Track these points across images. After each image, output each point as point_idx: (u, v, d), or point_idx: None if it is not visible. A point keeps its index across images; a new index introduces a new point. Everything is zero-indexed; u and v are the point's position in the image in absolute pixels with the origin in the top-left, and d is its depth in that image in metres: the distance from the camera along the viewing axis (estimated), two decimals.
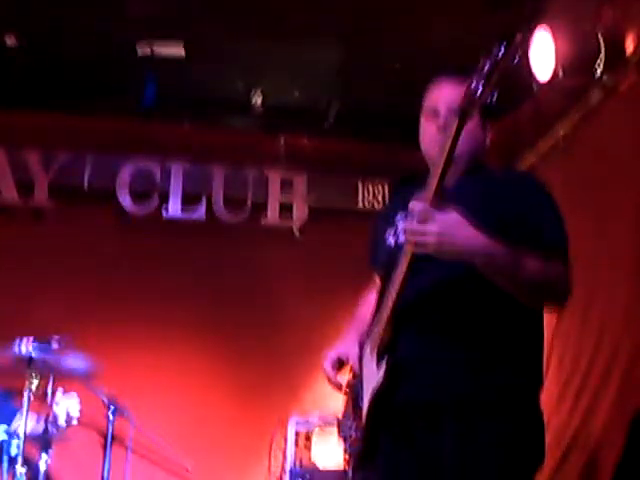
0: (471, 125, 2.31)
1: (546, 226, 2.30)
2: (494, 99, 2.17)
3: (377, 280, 2.64)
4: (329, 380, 2.52)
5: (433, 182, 2.16)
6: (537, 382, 2.39)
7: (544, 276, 2.21)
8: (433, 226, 2.12)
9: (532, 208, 2.32)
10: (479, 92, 2.08)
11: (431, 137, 2.44)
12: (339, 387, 2.54)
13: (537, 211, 2.32)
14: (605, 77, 4.26)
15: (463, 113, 2.12)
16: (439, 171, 2.16)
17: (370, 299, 2.66)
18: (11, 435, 4.16)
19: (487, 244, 2.16)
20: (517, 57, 2.11)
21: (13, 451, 4.11)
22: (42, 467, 4.16)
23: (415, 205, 2.16)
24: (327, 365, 2.52)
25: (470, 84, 2.08)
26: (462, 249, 2.15)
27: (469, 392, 2.27)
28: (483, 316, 2.30)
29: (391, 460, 2.37)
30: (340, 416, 2.60)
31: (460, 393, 2.27)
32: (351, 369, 2.51)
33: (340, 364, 2.52)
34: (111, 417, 4.48)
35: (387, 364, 2.31)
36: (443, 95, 2.46)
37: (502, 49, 2.06)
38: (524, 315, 2.35)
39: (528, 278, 2.20)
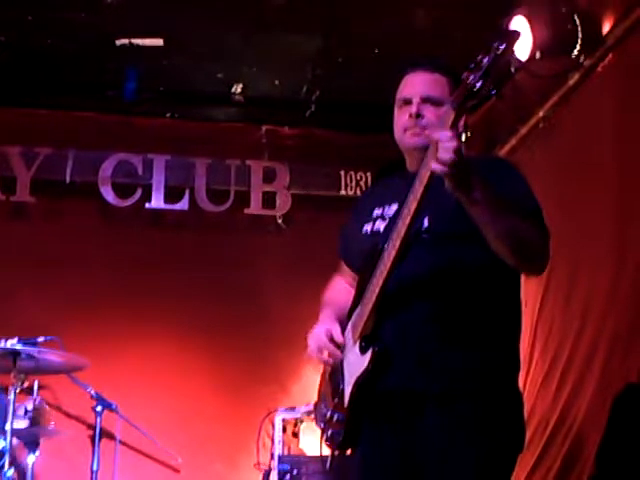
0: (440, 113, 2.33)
1: (522, 198, 2.33)
2: (493, 93, 2.22)
3: (345, 268, 2.67)
4: (316, 354, 2.51)
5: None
6: (516, 366, 2.41)
7: (525, 232, 2.24)
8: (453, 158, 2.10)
9: (507, 184, 2.33)
10: (478, 86, 2.08)
11: (404, 124, 2.46)
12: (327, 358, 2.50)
13: (512, 186, 2.34)
14: (583, 58, 4.28)
15: (460, 107, 2.12)
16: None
17: (339, 286, 2.69)
18: None
19: (487, 182, 2.20)
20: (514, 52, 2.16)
21: None
22: (29, 465, 4.17)
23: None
24: (311, 341, 2.51)
25: (467, 78, 2.09)
26: (470, 175, 2.15)
27: (452, 379, 2.29)
28: (465, 305, 2.32)
29: (375, 446, 2.38)
30: (316, 399, 2.64)
31: (443, 381, 2.29)
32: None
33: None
34: (99, 411, 4.48)
35: (373, 352, 2.32)
36: (416, 84, 2.48)
37: (504, 45, 2.07)
38: (504, 302, 2.38)
39: (511, 228, 2.22)
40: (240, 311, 5.52)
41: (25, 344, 4.09)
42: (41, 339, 4.15)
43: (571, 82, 4.47)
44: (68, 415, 4.58)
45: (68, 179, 5.63)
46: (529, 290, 4.21)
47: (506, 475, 2.32)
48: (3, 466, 3.98)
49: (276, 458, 4.74)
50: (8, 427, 3.97)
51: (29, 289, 5.27)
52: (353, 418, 2.40)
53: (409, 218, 2.22)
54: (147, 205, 5.68)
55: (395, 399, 2.33)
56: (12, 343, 4.08)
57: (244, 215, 5.78)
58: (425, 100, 2.43)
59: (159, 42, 5.02)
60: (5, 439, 3.96)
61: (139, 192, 5.70)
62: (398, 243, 2.25)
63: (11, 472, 3.99)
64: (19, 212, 5.61)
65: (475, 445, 2.27)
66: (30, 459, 4.20)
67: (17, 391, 4.08)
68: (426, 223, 2.35)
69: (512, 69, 4.59)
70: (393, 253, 2.27)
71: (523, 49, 4.33)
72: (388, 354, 2.32)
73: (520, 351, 2.45)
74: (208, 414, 5.40)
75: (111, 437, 4.65)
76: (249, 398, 5.36)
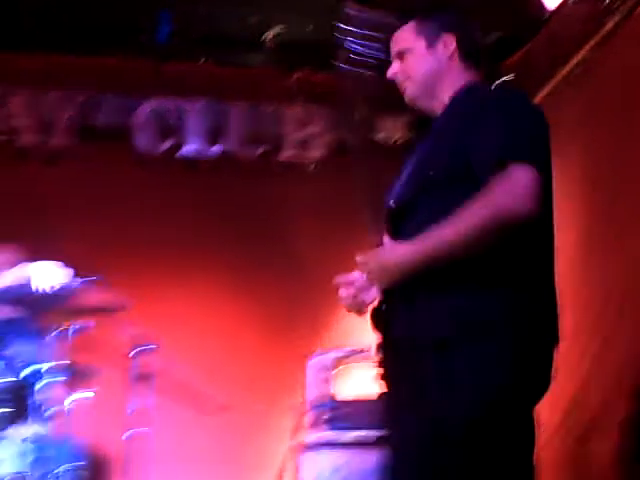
0: (410, 62, 2.46)
1: (482, 144, 2.22)
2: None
3: None
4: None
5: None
6: (509, 313, 2.22)
7: (477, 219, 2.12)
8: (369, 270, 2.30)
9: (472, 130, 2.26)
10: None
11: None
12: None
13: (475, 130, 2.26)
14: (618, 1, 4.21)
15: None
16: None
17: None
18: (36, 374, 4.24)
19: (408, 255, 2.21)
20: None
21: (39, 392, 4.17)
22: (68, 406, 4.23)
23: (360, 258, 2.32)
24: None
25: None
26: (393, 276, 2.24)
27: (423, 328, 2.26)
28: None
29: (390, 390, 2.39)
30: None
31: (423, 330, 2.26)
32: None
33: None
34: (139, 352, 4.54)
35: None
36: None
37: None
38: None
39: (459, 242, 2.14)
40: (275, 256, 5.58)
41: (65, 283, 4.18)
42: (82, 279, 4.22)
43: (608, 26, 4.41)
44: (108, 356, 4.65)
45: (103, 124, 5.69)
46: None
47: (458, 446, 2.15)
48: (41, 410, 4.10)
49: (311, 403, 4.81)
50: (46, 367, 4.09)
51: (69, 231, 5.34)
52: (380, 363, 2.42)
53: None
54: (181, 151, 5.74)
55: (395, 346, 2.33)
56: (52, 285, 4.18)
57: (278, 161, 5.80)
58: (395, 56, 2.52)
59: None
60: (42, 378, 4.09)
61: (173, 138, 5.74)
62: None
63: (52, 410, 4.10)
64: (55, 156, 5.67)
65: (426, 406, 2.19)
66: (69, 399, 4.29)
67: (58, 330, 4.18)
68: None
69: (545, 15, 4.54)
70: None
71: None
72: (391, 309, 2.34)
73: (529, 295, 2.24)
74: (247, 356, 5.50)
75: (151, 378, 4.71)
76: (288, 340, 5.45)
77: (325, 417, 4.54)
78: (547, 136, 2.31)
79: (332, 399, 4.81)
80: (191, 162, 5.78)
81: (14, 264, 4.64)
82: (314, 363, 5.01)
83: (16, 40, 5.34)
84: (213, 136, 5.78)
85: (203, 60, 5.77)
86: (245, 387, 5.43)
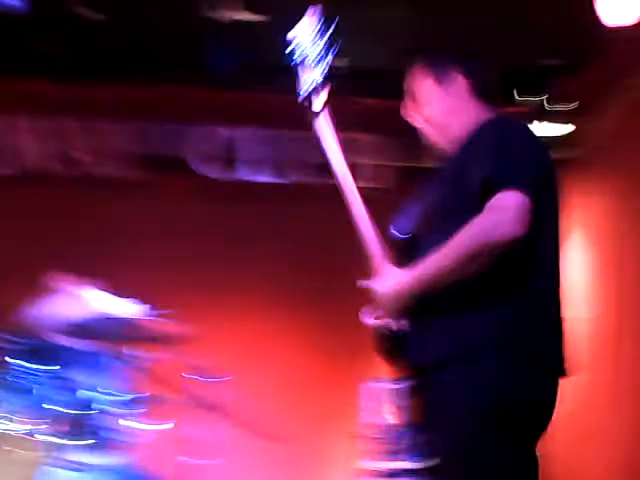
0: (427, 105, 2.54)
1: (474, 174, 2.31)
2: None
3: None
4: None
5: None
6: (507, 333, 2.30)
7: (465, 247, 2.24)
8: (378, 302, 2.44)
9: (471, 161, 2.35)
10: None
11: None
12: None
13: (471, 162, 2.35)
14: None
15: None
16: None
17: None
18: (105, 405, 4.24)
19: (408, 280, 2.34)
20: None
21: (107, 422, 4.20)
22: (137, 436, 4.23)
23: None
24: None
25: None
26: (401, 302, 2.37)
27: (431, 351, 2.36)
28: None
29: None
30: None
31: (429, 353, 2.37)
32: None
33: None
34: (205, 383, 4.57)
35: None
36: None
37: None
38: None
39: (458, 264, 2.25)
40: (336, 282, 5.57)
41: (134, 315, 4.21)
42: (150, 310, 4.26)
43: None
44: (174, 386, 4.67)
45: (162, 152, 5.76)
46: None
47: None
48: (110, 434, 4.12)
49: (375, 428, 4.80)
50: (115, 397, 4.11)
51: (134, 261, 5.44)
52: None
53: None
54: (238, 178, 5.78)
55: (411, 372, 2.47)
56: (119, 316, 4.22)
57: (328, 185, 5.79)
58: (409, 95, 2.60)
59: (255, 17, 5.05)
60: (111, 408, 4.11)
61: (229, 163, 5.79)
62: None
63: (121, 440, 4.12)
64: (115, 185, 5.73)
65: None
66: (138, 429, 4.31)
67: (125, 361, 4.21)
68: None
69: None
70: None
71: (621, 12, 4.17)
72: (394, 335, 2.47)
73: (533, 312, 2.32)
74: (310, 384, 5.51)
75: (217, 408, 4.72)
76: (348, 367, 5.44)
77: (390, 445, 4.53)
78: (543, 163, 2.40)
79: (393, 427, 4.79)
80: (248, 188, 5.81)
81: (79, 294, 4.70)
82: (375, 390, 5.00)
83: (79, 71, 5.43)
84: (273, 164, 5.80)
85: (260, 87, 5.81)
86: (309, 416, 5.44)
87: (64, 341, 4.70)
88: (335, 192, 5.63)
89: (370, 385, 5.08)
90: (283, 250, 5.64)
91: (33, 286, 4.69)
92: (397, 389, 4.78)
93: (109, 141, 5.75)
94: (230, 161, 5.82)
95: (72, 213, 5.59)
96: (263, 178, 5.80)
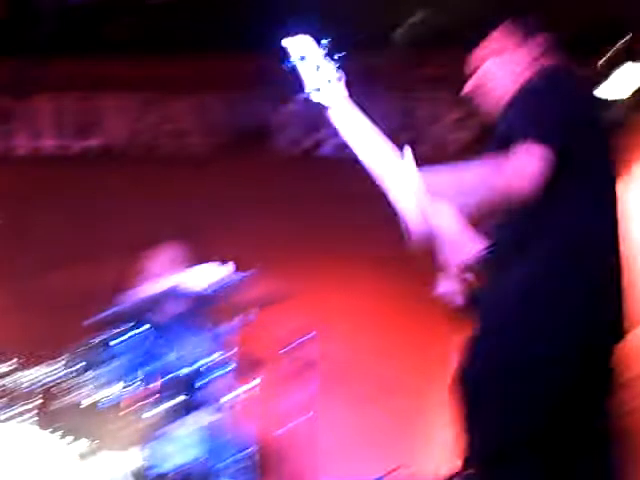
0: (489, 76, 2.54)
1: (514, 126, 2.34)
2: None
3: None
4: None
5: None
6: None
7: (485, 184, 2.32)
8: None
9: (512, 115, 2.40)
10: None
11: None
12: None
13: (513, 116, 2.39)
14: None
15: None
16: None
17: None
18: (204, 367, 4.36)
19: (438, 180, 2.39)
20: None
21: (207, 384, 4.31)
22: (236, 397, 4.32)
23: None
24: None
25: None
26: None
27: None
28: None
29: None
30: None
31: None
32: None
33: None
34: (300, 343, 4.64)
35: None
36: None
37: None
38: None
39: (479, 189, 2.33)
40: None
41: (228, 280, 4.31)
42: (243, 274, 4.34)
43: None
44: (271, 347, 4.76)
45: (242, 125, 5.83)
46: None
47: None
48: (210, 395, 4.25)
49: None
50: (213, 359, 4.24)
51: (228, 229, 5.53)
52: None
53: None
54: (321, 152, 5.83)
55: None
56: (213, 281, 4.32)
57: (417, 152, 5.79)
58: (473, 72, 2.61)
59: None
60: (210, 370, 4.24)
61: (312, 137, 5.86)
62: None
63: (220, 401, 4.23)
64: (207, 157, 5.86)
65: None
66: (236, 390, 4.40)
67: (223, 324, 4.32)
68: None
69: None
70: None
71: None
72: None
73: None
74: (405, 341, 5.54)
75: (313, 367, 4.79)
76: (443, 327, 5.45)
77: None
78: (582, 115, 2.40)
79: None
80: (330, 162, 5.84)
81: (177, 263, 4.85)
82: None
83: (170, 46, 5.52)
84: None
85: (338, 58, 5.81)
86: (405, 372, 5.46)
87: (162, 308, 4.87)
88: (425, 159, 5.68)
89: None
90: (372, 213, 5.67)
91: (131, 260, 4.87)
92: None
93: (193, 115, 5.87)
94: (313, 133, 5.88)
95: (160, 188, 5.69)
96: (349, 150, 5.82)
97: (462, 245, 2.48)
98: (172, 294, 4.57)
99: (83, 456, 3.80)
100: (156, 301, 4.86)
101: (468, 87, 2.61)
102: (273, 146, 5.90)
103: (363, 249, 5.59)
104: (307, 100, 2.53)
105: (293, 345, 4.66)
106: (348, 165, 5.58)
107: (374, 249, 5.60)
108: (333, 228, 5.65)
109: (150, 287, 4.85)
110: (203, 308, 4.50)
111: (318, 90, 2.48)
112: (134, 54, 5.57)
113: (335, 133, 5.78)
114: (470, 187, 2.34)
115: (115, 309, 4.45)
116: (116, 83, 5.78)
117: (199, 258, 5.05)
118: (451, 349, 5.01)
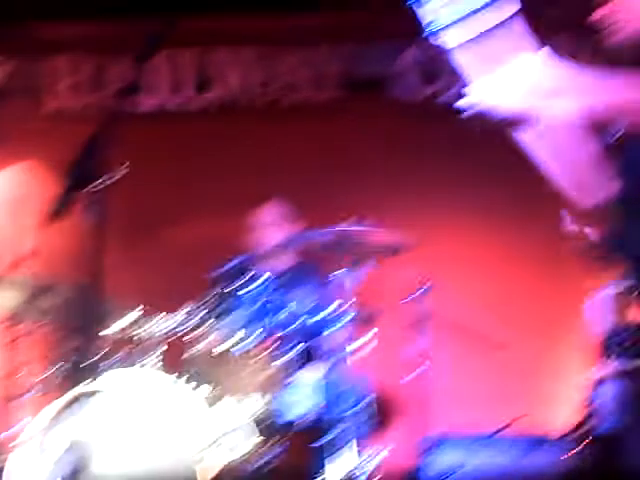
0: None
1: None
2: None
3: None
4: None
5: None
6: None
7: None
8: None
9: None
10: None
11: None
12: None
13: None
14: None
15: None
16: None
17: None
18: (322, 318, 4.37)
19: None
20: None
21: (326, 335, 4.31)
22: (353, 348, 4.30)
23: None
24: None
25: None
26: None
27: None
28: None
29: None
30: None
31: None
32: None
33: None
34: (418, 294, 4.62)
35: None
36: None
37: None
38: None
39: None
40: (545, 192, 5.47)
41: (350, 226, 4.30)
42: (360, 224, 4.31)
43: None
44: (388, 297, 4.76)
45: (368, 73, 5.84)
46: None
47: None
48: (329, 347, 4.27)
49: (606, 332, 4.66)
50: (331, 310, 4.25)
51: (346, 181, 5.59)
52: None
53: None
54: (444, 96, 5.73)
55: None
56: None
57: None
58: None
59: None
60: (328, 322, 4.26)
61: (440, 82, 5.79)
62: None
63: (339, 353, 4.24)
64: (325, 110, 5.89)
65: None
66: (354, 341, 4.39)
67: (340, 275, 4.31)
68: None
69: None
70: None
71: None
72: None
73: None
74: (521, 293, 5.48)
75: (429, 318, 4.77)
76: (560, 275, 5.36)
77: (621, 346, 4.40)
78: None
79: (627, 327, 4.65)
80: (453, 107, 5.74)
81: (289, 217, 4.88)
82: (600, 296, 4.87)
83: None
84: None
85: None
86: (521, 325, 5.40)
87: (281, 260, 4.92)
88: None
89: (592, 293, 4.96)
90: (489, 162, 5.58)
91: (250, 213, 4.94)
92: (617, 292, 4.71)
93: (308, 65, 5.86)
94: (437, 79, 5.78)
95: (278, 142, 5.74)
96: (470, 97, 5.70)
97: (588, 180, 2.23)
98: (292, 244, 4.61)
99: (208, 403, 3.88)
100: (276, 251, 4.93)
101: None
102: (391, 96, 5.86)
103: (478, 199, 5.52)
104: (430, 42, 2.22)
105: (410, 296, 4.64)
106: (469, 113, 5.60)
107: (499, 199, 5.54)
108: (451, 178, 5.59)
109: (269, 237, 4.91)
110: (319, 257, 4.51)
111: (445, 28, 2.22)
112: (248, 9, 5.58)
113: (457, 79, 5.70)
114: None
115: (237, 260, 4.50)
116: (231, 37, 5.83)
117: (319, 211, 5.09)
118: (572, 300, 4.95)
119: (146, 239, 5.66)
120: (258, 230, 4.96)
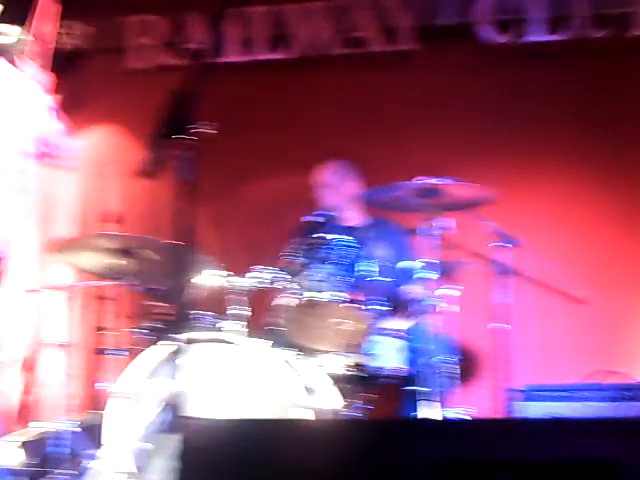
0: None
1: None
2: None
3: None
4: None
5: None
6: None
7: None
8: None
9: None
10: None
11: None
12: None
13: None
14: None
15: None
16: None
17: None
18: (407, 272, 4.37)
19: None
20: None
21: (410, 289, 4.32)
22: (438, 301, 4.21)
23: None
24: None
25: None
26: None
27: None
28: None
29: None
30: None
31: None
32: None
33: None
34: (501, 248, 4.58)
35: None
36: None
37: None
38: None
39: None
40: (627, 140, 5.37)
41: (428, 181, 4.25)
42: (444, 178, 4.27)
43: None
44: (471, 251, 4.72)
45: (445, 21, 5.72)
46: None
47: None
48: (414, 300, 4.26)
49: None
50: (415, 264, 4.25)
51: (420, 133, 5.53)
52: None
53: None
54: (525, 39, 5.62)
55: None
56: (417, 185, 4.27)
57: (625, 39, 5.48)
58: None
59: None
60: (413, 275, 4.25)
61: (516, 26, 5.63)
62: None
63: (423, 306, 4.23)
64: (401, 60, 5.79)
65: None
66: (438, 294, 4.37)
67: (424, 228, 4.28)
68: None
69: None
70: None
71: None
72: None
73: None
74: (606, 250, 5.41)
75: (512, 273, 4.72)
76: None
77: None
78: None
79: None
80: (537, 49, 5.62)
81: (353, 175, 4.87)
82: None
83: None
84: (555, 21, 5.58)
85: None
86: (604, 281, 5.31)
87: (363, 214, 4.93)
88: (622, 46, 5.36)
89: None
90: (576, 111, 5.47)
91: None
92: None
93: (389, 14, 5.78)
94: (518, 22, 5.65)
95: (351, 91, 5.73)
96: (552, 37, 5.58)
97: None
98: (373, 198, 4.60)
99: (296, 357, 3.92)
100: (357, 205, 4.93)
101: None
102: (466, 45, 5.74)
103: (572, 152, 5.43)
104: None
105: (493, 250, 4.59)
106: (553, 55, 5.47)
107: (585, 152, 5.44)
108: (538, 129, 5.50)
109: (346, 192, 4.93)
110: (403, 211, 4.50)
111: None
112: None
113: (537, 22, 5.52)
114: None
115: (321, 214, 4.51)
116: None
117: (399, 165, 5.07)
118: None
119: (230, 197, 5.71)
120: (333, 186, 4.99)
